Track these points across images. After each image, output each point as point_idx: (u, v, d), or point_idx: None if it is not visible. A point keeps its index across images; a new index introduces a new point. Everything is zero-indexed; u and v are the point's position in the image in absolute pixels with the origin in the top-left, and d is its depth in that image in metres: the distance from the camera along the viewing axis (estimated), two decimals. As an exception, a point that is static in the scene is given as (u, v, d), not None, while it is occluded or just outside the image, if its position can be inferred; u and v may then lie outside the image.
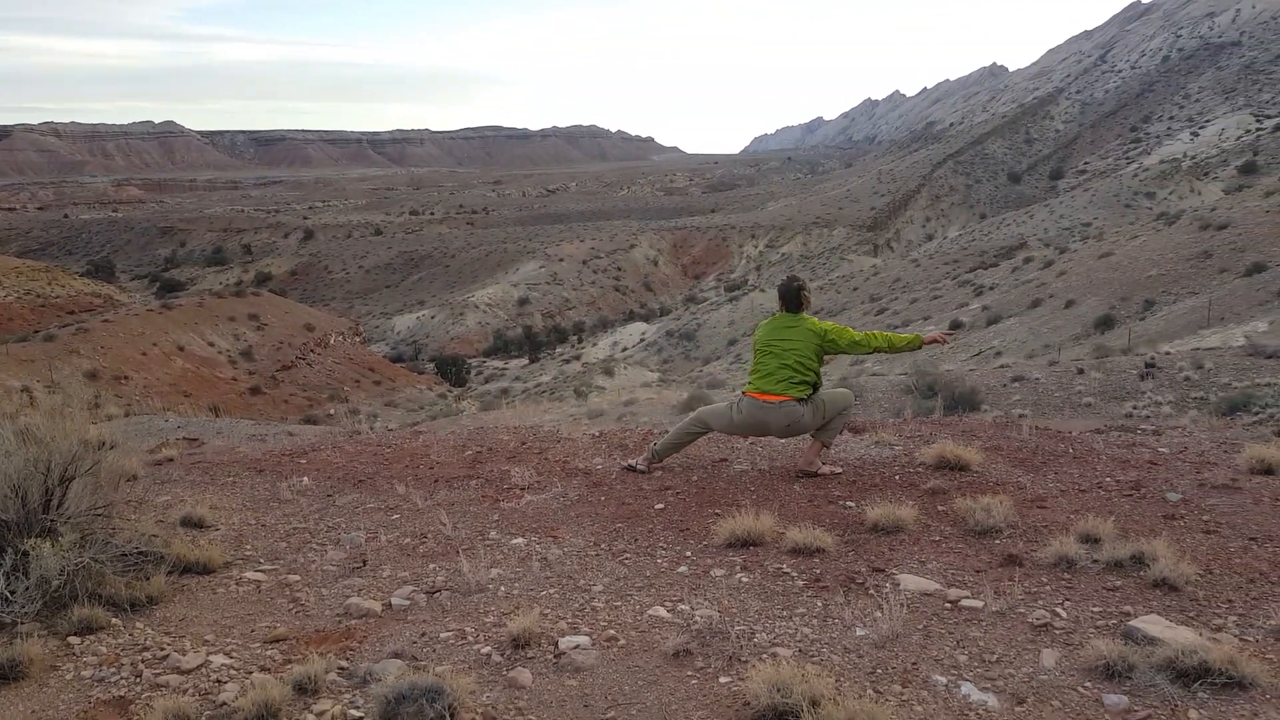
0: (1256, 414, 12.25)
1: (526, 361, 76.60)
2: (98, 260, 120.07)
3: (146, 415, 9.43)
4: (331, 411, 54.70)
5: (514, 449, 6.69)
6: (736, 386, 31.44)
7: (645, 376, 57.58)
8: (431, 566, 4.24)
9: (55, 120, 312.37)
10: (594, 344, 78.58)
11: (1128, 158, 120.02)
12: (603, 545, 4.34)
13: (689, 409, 22.33)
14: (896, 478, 5.10)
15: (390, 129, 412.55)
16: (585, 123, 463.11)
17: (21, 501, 3.87)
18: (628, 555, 4.17)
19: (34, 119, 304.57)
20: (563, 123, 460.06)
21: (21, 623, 3.56)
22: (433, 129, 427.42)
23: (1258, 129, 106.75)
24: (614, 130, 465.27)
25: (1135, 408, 14.13)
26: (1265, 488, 4.49)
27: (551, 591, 3.83)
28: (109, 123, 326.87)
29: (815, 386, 5.32)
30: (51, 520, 4.00)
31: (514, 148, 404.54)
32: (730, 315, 73.75)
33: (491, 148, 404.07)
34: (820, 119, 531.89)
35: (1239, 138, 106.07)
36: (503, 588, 3.91)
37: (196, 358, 53.92)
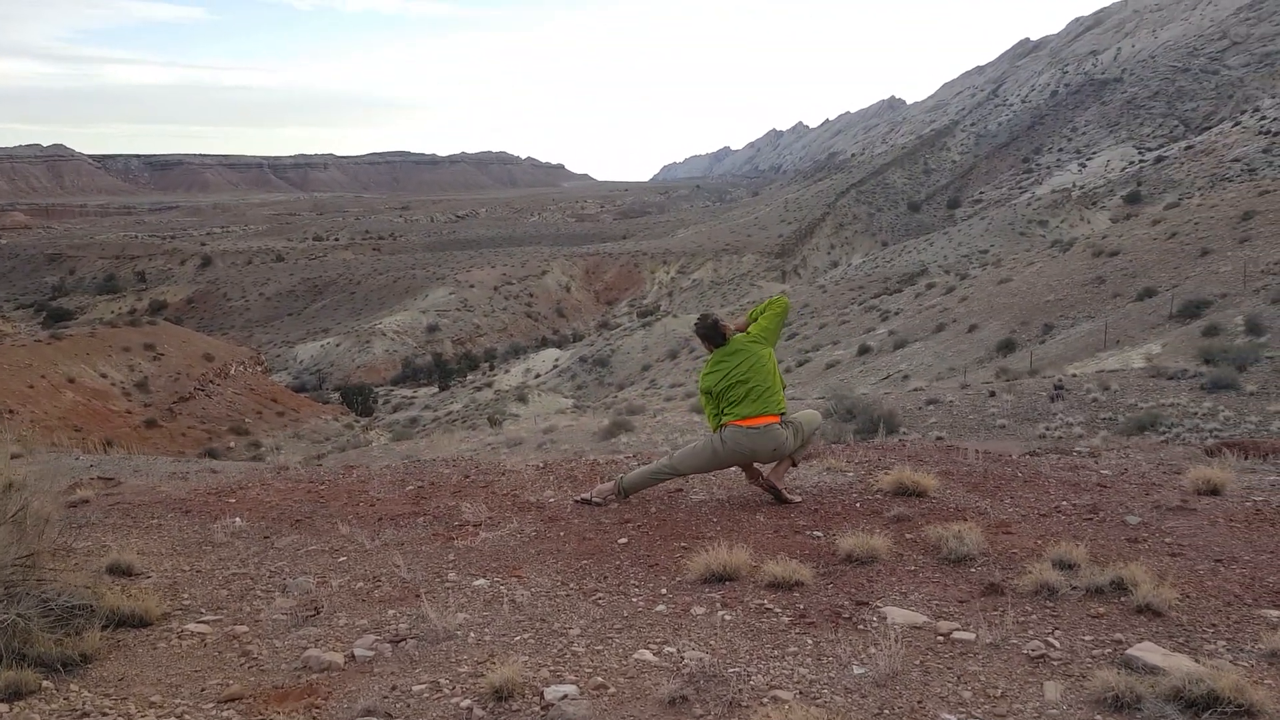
0: (1164, 433, 12.88)
1: (436, 390, 75.17)
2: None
3: (53, 453, 8.76)
4: (232, 445, 52.64)
5: (457, 483, 6.45)
6: (655, 411, 31.53)
7: (560, 403, 57.25)
8: (391, 613, 4.00)
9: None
10: (507, 371, 77.76)
11: (1020, 187, 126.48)
12: (571, 584, 4.18)
13: (610, 435, 22.29)
14: (858, 505, 5.10)
15: (293, 153, 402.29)
16: (495, 149, 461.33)
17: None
18: (600, 595, 4.02)
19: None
20: (472, 149, 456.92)
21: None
22: (337, 154, 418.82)
23: (1140, 160, 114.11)
24: (524, 157, 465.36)
25: (1048, 428, 14.69)
26: (1218, 508, 4.66)
27: (526, 637, 3.65)
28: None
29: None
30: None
31: (422, 173, 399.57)
32: (644, 341, 74.11)
33: (399, 173, 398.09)
34: (727, 148, 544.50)
35: (1123, 169, 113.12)
36: (472, 634, 3.70)
37: (88, 390, 51.05)
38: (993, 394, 17.72)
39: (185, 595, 4.38)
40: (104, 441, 44.82)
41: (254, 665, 3.55)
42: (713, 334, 5.48)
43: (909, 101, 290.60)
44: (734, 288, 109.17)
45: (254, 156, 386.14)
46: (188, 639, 3.83)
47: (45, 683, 3.35)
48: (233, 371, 63.26)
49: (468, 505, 5.55)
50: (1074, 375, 18.04)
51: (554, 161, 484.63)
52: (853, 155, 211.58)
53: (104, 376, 54.29)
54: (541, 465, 6.93)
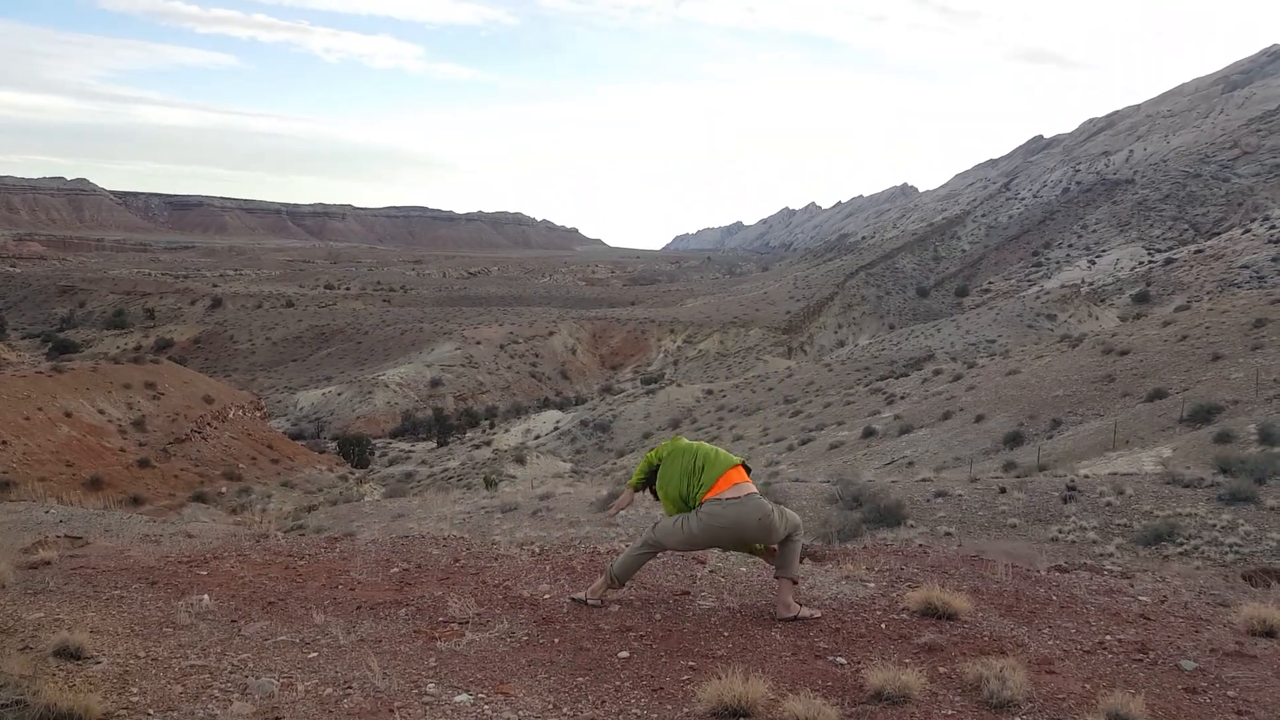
0: (1181, 544, 12.38)
1: (435, 445, 74.51)
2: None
3: (24, 503, 8.35)
4: (223, 490, 51.91)
5: (446, 567, 6.02)
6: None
7: (558, 467, 56.52)
8: (361, 730, 3.56)
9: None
10: (506, 430, 77.13)
11: (1030, 280, 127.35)
12: (565, 709, 3.73)
13: (607, 506, 21.69)
14: (883, 626, 4.66)
15: (312, 202, 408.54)
16: (511, 210, 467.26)
17: None
18: (598, 724, 3.58)
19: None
20: (489, 208, 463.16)
21: None
22: (355, 205, 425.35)
23: (1150, 261, 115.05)
24: (539, 219, 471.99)
25: (1060, 531, 14.18)
26: (1278, 655, 4.22)
27: (510, 773, 3.21)
28: (16, 175, 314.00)
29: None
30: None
31: (438, 229, 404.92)
32: (646, 408, 73.61)
33: (415, 227, 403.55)
34: (740, 223, 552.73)
35: (1133, 268, 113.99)
36: (449, 765, 3.26)
37: (84, 425, 50.64)
38: (1003, 490, 17.21)
39: (135, 689, 3.93)
40: (93, 479, 44.26)
41: (197, 790, 3.10)
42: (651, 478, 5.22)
43: (921, 189, 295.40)
44: (739, 360, 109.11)
45: (273, 202, 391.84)
46: (127, 749, 3.38)
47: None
48: (231, 415, 62.90)
49: (455, 598, 5.12)
50: (1086, 476, 17.55)
51: (568, 225, 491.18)
52: (863, 238, 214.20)
53: (102, 413, 53.94)
54: (537, 552, 6.50)
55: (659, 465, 5.12)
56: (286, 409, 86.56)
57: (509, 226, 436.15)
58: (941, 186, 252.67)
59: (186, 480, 51.44)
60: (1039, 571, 6.08)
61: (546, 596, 5.27)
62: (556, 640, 4.52)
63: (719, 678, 3.74)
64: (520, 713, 3.69)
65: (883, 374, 67.74)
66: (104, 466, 47.35)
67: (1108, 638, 4.50)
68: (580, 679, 4.03)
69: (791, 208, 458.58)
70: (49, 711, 3.47)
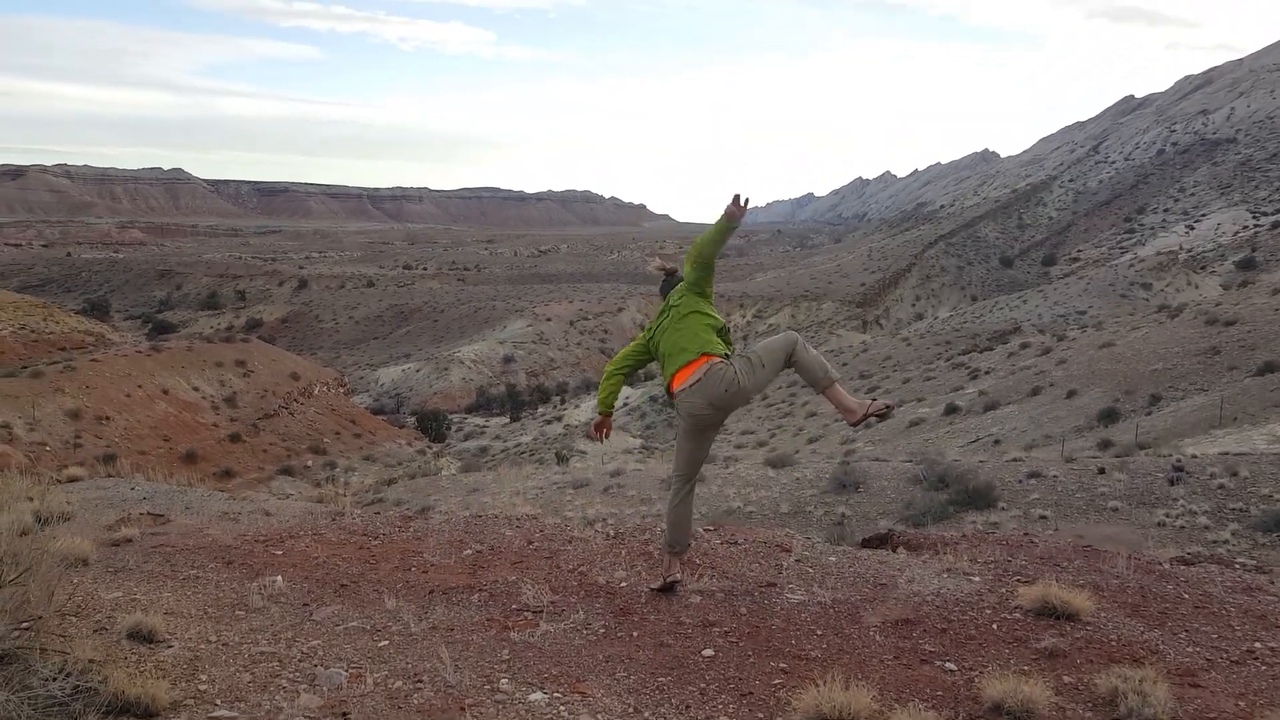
0: (1306, 531, 11.46)
1: (508, 420, 75.47)
2: (94, 299, 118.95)
3: (112, 479, 8.49)
4: (309, 463, 53.53)
5: (519, 550, 5.80)
6: (726, 461, 30.49)
7: (628, 442, 56.56)
8: (430, 730, 3.34)
9: (69, 163, 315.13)
10: (576, 406, 77.55)
11: (1122, 248, 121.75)
12: (646, 712, 3.45)
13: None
14: (994, 627, 4.24)
15: (390, 186, 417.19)
16: (580, 188, 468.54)
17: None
18: (683, 733, 3.28)
19: (49, 160, 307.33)
20: (558, 187, 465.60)
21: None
22: (431, 187, 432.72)
23: (1255, 225, 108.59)
24: (607, 196, 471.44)
25: (1167, 515, 13.33)
26: None
27: (589, 786, 2.94)
28: (119, 167, 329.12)
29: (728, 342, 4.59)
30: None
31: (509, 209, 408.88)
32: (720, 385, 72.97)
33: (487, 208, 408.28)
34: (811, 195, 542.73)
35: (1236, 233, 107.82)
36: (524, 773, 3.01)
37: (180, 402, 52.77)
38: (1101, 470, 16.32)
39: (204, 676, 3.80)
40: (188, 453, 46.13)
41: (258, 794, 2.93)
42: (668, 283, 4.89)
43: (1003, 155, 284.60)
44: (811, 335, 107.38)
45: (354, 187, 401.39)
46: (190, 745, 3.23)
47: (11, 799, 2.79)
48: (316, 391, 64.80)
49: (528, 584, 4.89)
50: (1194, 456, 16.50)
51: (636, 201, 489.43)
52: (942, 206, 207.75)
53: (196, 389, 56.12)
54: (612, 535, 6.23)
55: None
56: (368, 385, 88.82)
57: (578, 204, 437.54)
58: (1024, 152, 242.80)
59: (275, 454, 53.27)
60: (1163, 565, 5.54)
61: (623, 584, 5.00)
62: (635, 634, 4.24)
63: (816, 684, 3.40)
64: (598, 716, 3.43)
65: (965, 348, 65.68)
66: (198, 441, 49.33)
67: (1257, 645, 3.99)
68: (662, 679, 3.74)
69: (865, 177, 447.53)
70: (116, 699, 3.35)
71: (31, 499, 6.42)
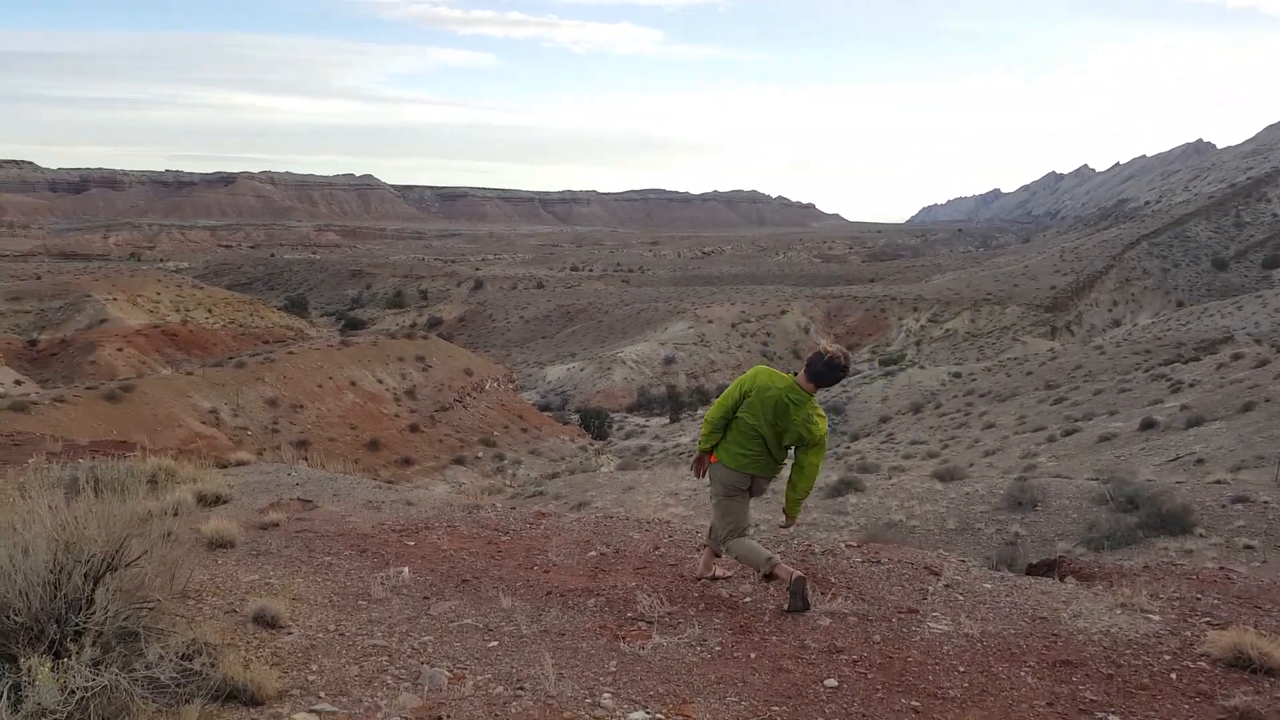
0: None
1: (667, 420, 75.89)
2: (294, 297, 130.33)
3: (274, 465, 9.01)
4: (480, 455, 55.96)
5: (644, 554, 5.60)
6: (890, 471, 29.16)
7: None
8: (521, 744, 3.17)
9: (272, 170, 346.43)
10: (739, 409, 76.83)
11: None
12: (754, 745, 3.14)
13: (837, 494, 20.63)
14: (1173, 676, 3.62)
15: (560, 189, 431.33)
16: (746, 188, 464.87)
17: (29, 604, 3.10)
18: (789, 773, 2.95)
19: (254, 168, 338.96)
20: (724, 188, 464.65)
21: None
22: (599, 190, 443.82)
23: None
24: (774, 196, 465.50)
25: None
26: None
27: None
28: (316, 174, 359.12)
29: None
30: (76, 627, 3.23)
31: (674, 210, 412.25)
32: (884, 390, 70.25)
33: (652, 209, 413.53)
34: (997, 191, 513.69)
35: None
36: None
37: (365, 393, 56.54)
38: (1328, 498, 14.24)
39: (314, 667, 3.82)
40: (372, 441, 49.37)
41: (340, 795, 2.85)
42: (828, 374, 4.76)
43: (1219, 145, 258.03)
44: (992, 340, 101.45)
45: (526, 191, 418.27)
46: (288, 735, 3.22)
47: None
48: (488, 387, 67.73)
49: (646, 592, 4.66)
50: None
51: (804, 201, 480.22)
52: (1146, 203, 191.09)
53: (380, 382, 59.97)
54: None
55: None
56: (536, 382, 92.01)
57: (743, 205, 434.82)
58: (1246, 141, 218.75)
59: (449, 445, 56.10)
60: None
61: (747, 599, 4.69)
62: (753, 655, 3.93)
63: (948, 731, 2.97)
64: (700, 745, 3.15)
65: (1167, 358, 59.92)
66: (381, 430, 52.67)
67: None
68: (776, 708, 3.41)
69: (1059, 171, 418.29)
70: (225, 685, 3.41)
71: (195, 481, 6.84)
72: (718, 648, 4.00)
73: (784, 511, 4.95)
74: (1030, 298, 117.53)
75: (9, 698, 2.85)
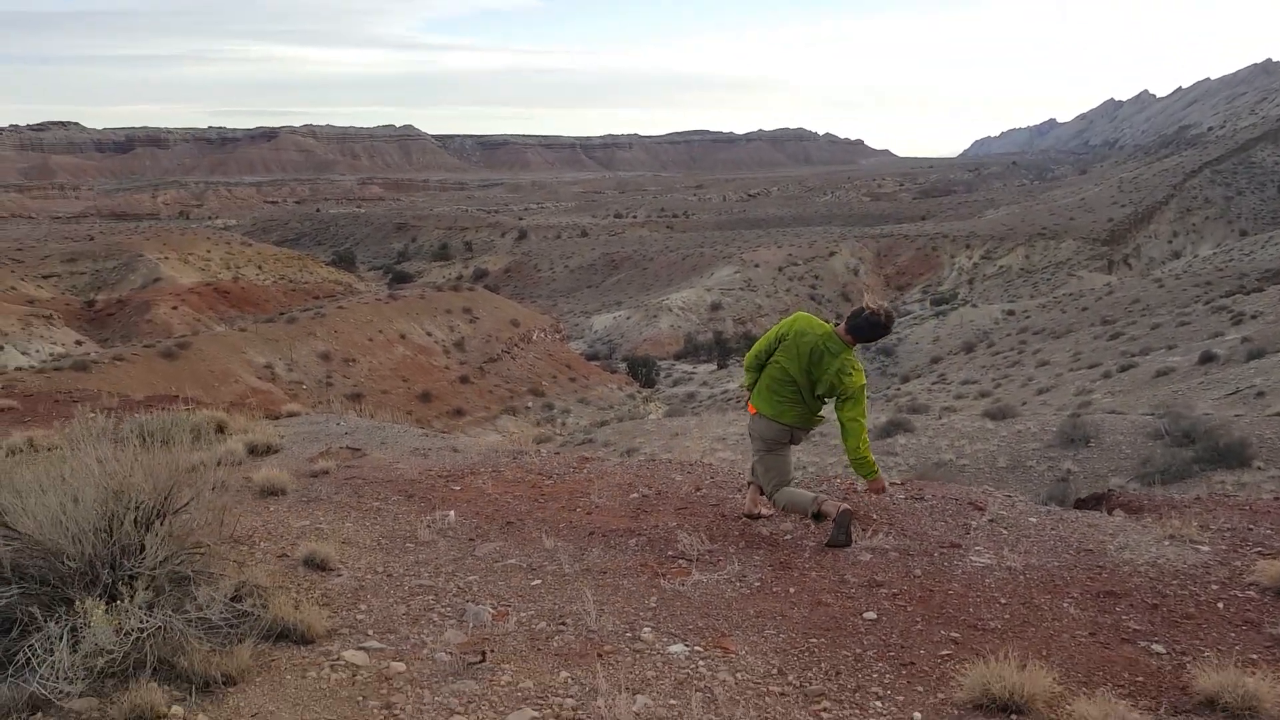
0: None
1: (715, 367, 75.76)
2: (342, 251, 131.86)
3: (323, 415, 9.22)
4: (529, 404, 56.62)
5: (685, 495, 5.62)
6: (941, 412, 28.84)
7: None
8: (564, 676, 3.25)
9: (313, 123, 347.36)
10: (787, 354, 76.29)
11: None
12: (791, 676, 3.17)
13: (886, 435, 20.49)
14: (1220, 606, 3.55)
15: (601, 134, 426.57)
16: (792, 126, 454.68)
17: (82, 549, 3.23)
18: (826, 703, 2.97)
19: (296, 122, 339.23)
20: (769, 126, 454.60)
21: (58, 703, 2.90)
22: (641, 134, 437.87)
23: None
24: (821, 133, 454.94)
25: None
26: None
27: (712, 755, 2.71)
28: (357, 126, 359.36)
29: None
30: (129, 572, 3.36)
31: (718, 152, 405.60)
32: (936, 331, 69.13)
33: (696, 152, 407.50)
34: (1053, 121, 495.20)
35: None
36: (647, 733, 2.84)
37: (415, 345, 57.40)
38: (1398, 429, 13.75)
39: (363, 606, 3.94)
40: (423, 392, 50.24)
41: (390, 724, 2.95)
42: (869, 331, 4.73)
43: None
44: (1047, 276, 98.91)
45: (567, 137, 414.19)
46: (339, 671, 3.33)
47: (174, 709, 2.98)
48: (535, 337, 68.23)
49: (687, 531, 4.70)
50: None
51: (852, 137, 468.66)
52: (1210, 129, 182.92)
53: (429, 334, 60.77)
54: (789, 483, 5.91)
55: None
56: (582, 331, 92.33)
57: (789, 144, 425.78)
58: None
59: (499, 395, 56.84)
60: None
61: (788, 537, 4.70)
62: (792, 590, 3.95)
63: (987, 659, 2.96)
64: (738, 674, 3.19)
65: (1229, 289, 57.84)
66: (432, 382, 53.53)
67: None
68: (814, 640, 3.43)
69: (1117, 99, 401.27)
70: (275, 625, 3.53)
71: (247, 432, 7.03)
72: (757, 583, 4.03)
73: (863, 479, 4.85)
74: (1087, 231, 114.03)
75: (68, 639, 2.99)
